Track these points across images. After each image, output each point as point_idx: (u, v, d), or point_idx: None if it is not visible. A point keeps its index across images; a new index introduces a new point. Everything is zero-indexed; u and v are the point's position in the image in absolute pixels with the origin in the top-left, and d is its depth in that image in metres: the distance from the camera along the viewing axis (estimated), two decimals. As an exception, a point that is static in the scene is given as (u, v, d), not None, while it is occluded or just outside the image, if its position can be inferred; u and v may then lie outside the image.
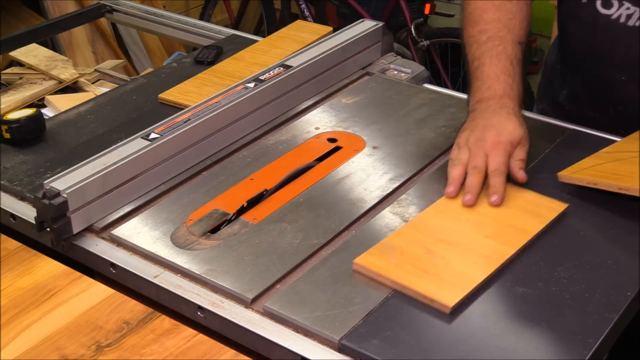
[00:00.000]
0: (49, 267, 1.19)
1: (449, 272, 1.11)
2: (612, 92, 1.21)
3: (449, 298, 1.07)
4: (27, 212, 1.29)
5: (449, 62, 3.35)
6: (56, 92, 1.82)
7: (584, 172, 1.25)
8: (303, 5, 3.62)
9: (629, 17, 1.37)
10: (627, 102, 1.45)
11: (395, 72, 1.72)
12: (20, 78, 1.86)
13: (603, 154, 1.32)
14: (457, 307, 1.07)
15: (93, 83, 1.89)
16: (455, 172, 1.29)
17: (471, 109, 1.37)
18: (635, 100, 1.43)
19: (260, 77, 1.53)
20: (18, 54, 1.94)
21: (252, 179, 1.36)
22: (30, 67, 1.89)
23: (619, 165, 1.26)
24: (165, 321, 1.09)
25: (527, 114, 1.52)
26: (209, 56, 1.76)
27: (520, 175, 1.29)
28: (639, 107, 1.43)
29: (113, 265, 1.19)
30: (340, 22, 3.57)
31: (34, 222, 1.23)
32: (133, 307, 1.11)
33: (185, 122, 1.39)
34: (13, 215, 1.30)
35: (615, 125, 1.45)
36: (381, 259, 1.13)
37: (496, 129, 1.30)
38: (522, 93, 1.37)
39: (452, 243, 1.17)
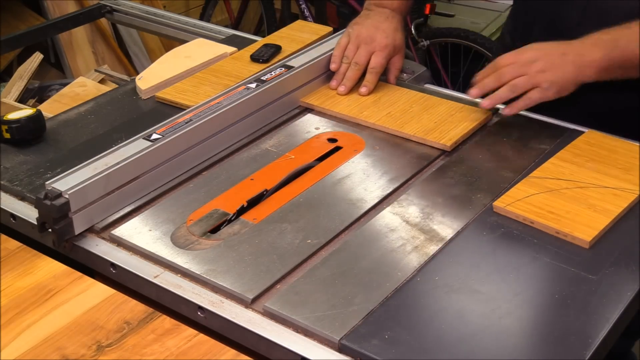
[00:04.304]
0: (49, 267, 1.19)
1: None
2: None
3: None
4: (27, 212, 1.29)
5: (449, 62, 3.35)
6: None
7: (518, 205, 1.24)
8: (303, 5, 3.62)
9: None
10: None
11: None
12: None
13: (534, 179, 1.31)
14: None
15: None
16: (342, 69, 1.61)
17: (366, 7, 1.67)
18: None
19: (262, 78, 1.53)
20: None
21: (252, 179, 1.36)
22: None
23: (552, 198, 1.26)
24: (166, 321, 1.09)
25: (528, 114, 1.53)
26: (265, 54, 1.72)
27: (394, 81, 1.63)
28: None
29: (113, 265, 1.19)
30: (340, 22, 3.57)
31: (34, 222, 1.23)
32: (134, 307, 1.12)
33: (186, 122, 1.39)
34: (13, 216, 1.30)
35: None
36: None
37: (385, 33, 1.61)
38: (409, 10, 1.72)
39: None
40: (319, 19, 3.76)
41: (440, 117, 1.50)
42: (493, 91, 1.44)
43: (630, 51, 1.39)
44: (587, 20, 1.54)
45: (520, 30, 1.71)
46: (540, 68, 1.40)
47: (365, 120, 1.51)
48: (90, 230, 1.25)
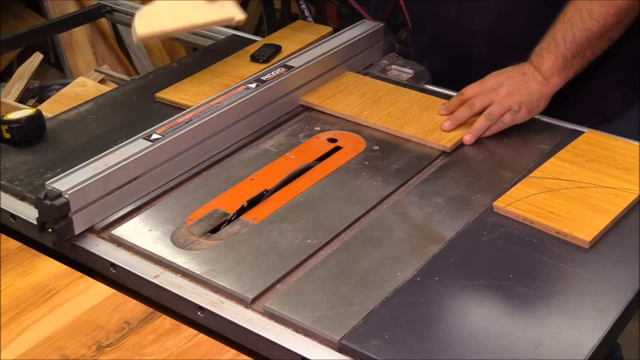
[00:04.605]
0: (49, 267, 1.20)
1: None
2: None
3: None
4: (27, 212, 1.29)
5: (448, 62, 3.35)
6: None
7: (518, 205, 1.25)
8: (303, 5, 3.61)
9: None
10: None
11: (397, 73, 1.72)
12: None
13: (534, 179, 1.31)
14: None
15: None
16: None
17: None
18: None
19: (262, 78, 1.53)
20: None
21: (252, 179, 1.36)
22: None
23: (552, 198, 1.26)
24: (166, 321, 1.09)
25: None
26: (265, 54, 1.72)
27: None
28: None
29: (113, 265, 1.19)
30: (340, 22, 3.57)
31: (34, 222, 1.23)
32: (134, 307, 1.12)
33: (186, 122, 1.39)
34: (13, 216, 1.30)
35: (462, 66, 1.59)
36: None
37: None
38: None
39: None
40: (319, 19, 3.76)
41: (440, 118, 1.50)
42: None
43: (570, 37, 1.42)
44: (465, 14, 1.61)
45: (416, 28, 1.78)
46: (507, 92, 1.44)
47: (365, 120, 1.51)
48: (90, 230, 1.25)
